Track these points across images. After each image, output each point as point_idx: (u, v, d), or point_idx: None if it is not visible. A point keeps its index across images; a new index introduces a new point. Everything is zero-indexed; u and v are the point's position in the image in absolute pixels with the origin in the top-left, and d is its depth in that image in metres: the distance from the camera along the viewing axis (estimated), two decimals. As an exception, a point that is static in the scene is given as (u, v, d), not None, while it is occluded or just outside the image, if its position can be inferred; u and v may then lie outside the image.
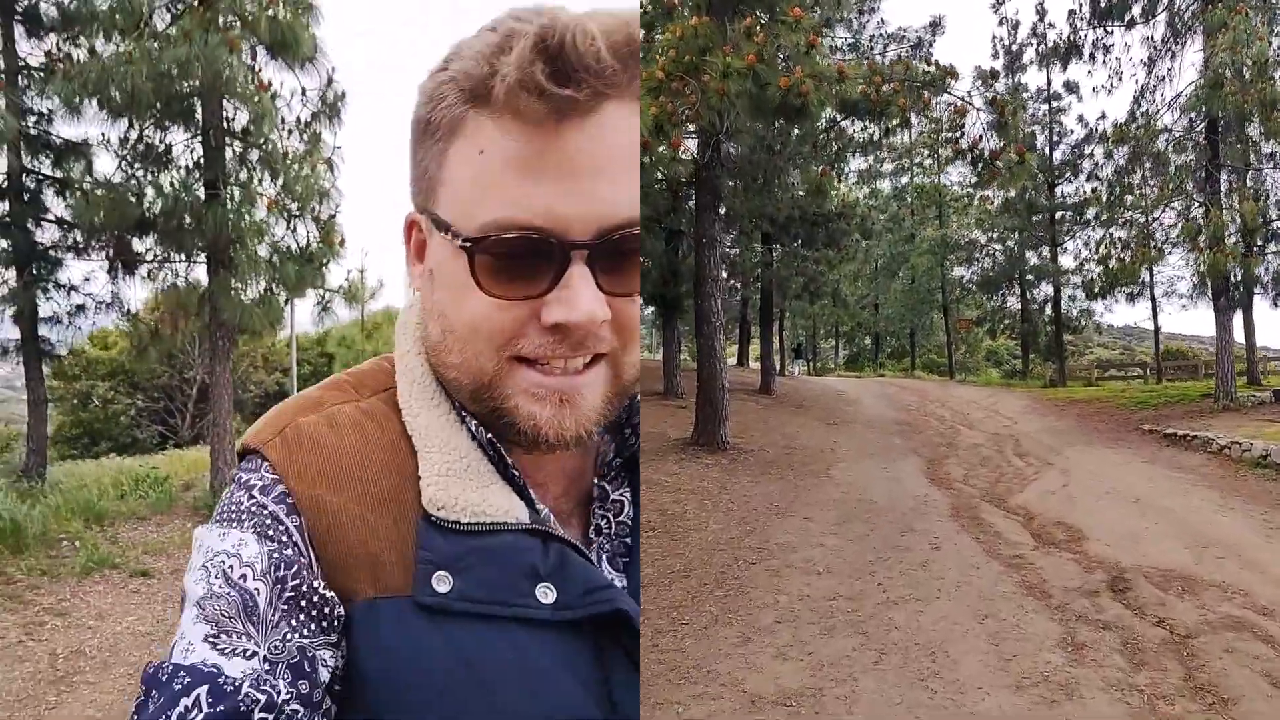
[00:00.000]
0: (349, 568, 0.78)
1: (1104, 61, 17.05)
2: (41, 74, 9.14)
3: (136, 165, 8.86)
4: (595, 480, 0.89)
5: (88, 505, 7.73)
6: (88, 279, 9.71)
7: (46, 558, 6.60)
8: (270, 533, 0.77)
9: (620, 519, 0.89)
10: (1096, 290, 17.41)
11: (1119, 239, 15.78)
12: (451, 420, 0.85)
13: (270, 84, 8.52)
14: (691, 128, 10.21)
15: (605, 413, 0.83)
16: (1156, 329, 22.94)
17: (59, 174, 9.57)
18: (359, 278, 10.30)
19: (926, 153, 31.32)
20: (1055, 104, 24.36)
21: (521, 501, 0.83)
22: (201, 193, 8.40)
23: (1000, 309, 27.25)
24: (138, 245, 9.34)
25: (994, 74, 17.12)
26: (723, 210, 18.46)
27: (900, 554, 6.32)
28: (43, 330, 9.49)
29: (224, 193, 8.36)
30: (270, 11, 8.16)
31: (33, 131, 9.35)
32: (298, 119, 9.00)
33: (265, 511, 0.78)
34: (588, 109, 0.73)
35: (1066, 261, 24.42)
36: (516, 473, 0.84)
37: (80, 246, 9.47)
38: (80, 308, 9.70)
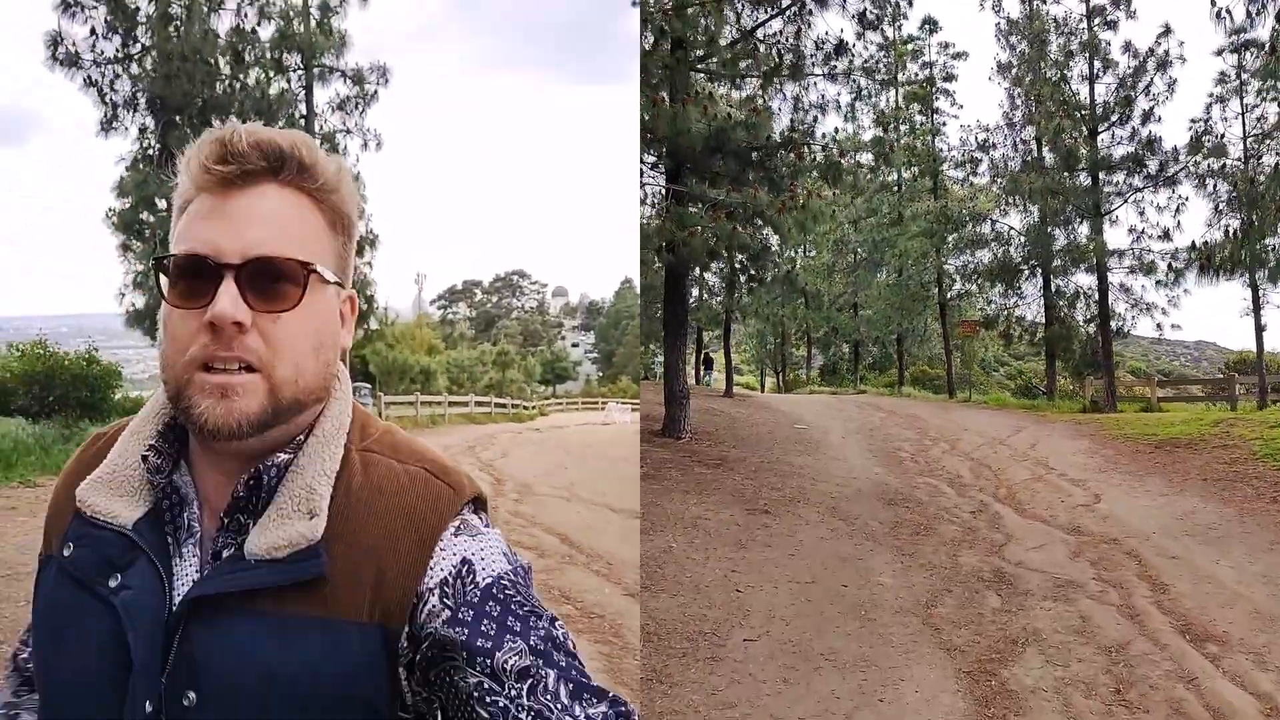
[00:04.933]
0: (51, 536, 1.10)
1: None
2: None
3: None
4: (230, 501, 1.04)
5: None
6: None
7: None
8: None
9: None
10: (1206, 263, 10.59)
11: (1256, 180, 8.79)
12: (131, 446, 1.08)
13: None
14: None
15: (262, 417, 0.99)
16: (1259, 329, 15.70)
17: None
18: (385, 314, 18.48)
19: (918, 108, 24.55)
20: (1097, 20, 17.42)
21: (139, 514, 1.04)
22: None
23: (1016, 306, 20.18)
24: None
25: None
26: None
27: None
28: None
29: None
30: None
31: None
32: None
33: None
34: (246, 182, 0.98)
35: (1117, 238, 17.50)
36: (155, 488, 1.06)
37: None
38: None
